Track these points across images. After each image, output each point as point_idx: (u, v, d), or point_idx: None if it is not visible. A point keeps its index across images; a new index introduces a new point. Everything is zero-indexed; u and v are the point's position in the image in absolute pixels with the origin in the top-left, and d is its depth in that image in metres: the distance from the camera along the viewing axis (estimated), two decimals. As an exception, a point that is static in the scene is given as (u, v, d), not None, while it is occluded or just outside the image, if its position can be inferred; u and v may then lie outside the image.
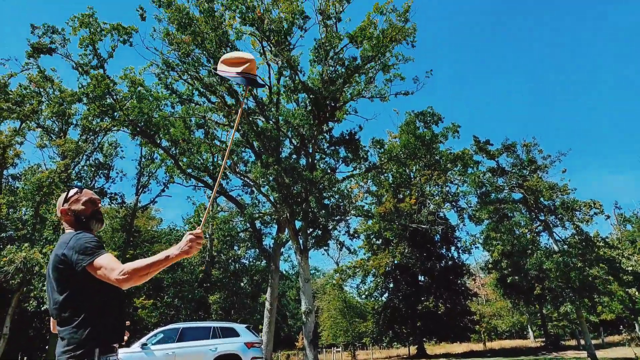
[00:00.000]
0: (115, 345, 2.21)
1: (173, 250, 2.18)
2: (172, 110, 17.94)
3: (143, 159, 26.83)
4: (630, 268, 27.34)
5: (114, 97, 15.81)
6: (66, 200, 2.38)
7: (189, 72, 15.57)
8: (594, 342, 26.28)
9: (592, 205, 21.66)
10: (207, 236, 31.19)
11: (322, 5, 15.86)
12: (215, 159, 20.98)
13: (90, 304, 2.14)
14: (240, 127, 17.68)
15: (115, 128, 16.54)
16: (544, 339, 38.67)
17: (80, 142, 22.26)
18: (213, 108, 17.47)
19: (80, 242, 2.17)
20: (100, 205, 2.49)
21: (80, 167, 25.69)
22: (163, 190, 28.03)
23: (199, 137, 18.85)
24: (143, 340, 12.22)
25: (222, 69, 2.63)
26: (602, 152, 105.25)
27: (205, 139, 18.42)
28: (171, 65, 15.30)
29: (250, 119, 17.01)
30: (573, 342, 37.55)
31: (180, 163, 19.11)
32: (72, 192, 2.41)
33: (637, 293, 29.65)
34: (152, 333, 12.76)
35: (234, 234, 23.59)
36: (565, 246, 21.96)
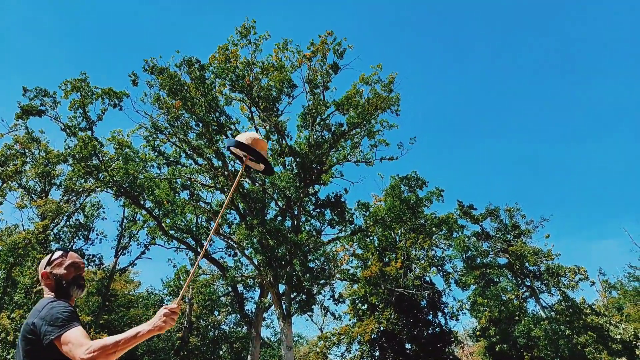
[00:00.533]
0: None
1: (145, 327, 2.07)
2: (158, 172, 17.97)
3: (125, 220, 26.37)
4: (619, 336, 26.96)
5: (100, 158, 15.82)
6: (49, 263, 2.29)
7: (177, 135, 15.79)
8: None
9: (577, 270, 21.78)
10: (187, 301, 30.09)
11: (309, 75, 16.57)
12: (199, 221, 20.73)
13: None
14: (225, 189, 17.69)
15: (99, 189, 16.40)
16: (536, 412, 37.03)
17: (61, 203, 21.88)
18: (199, 170, 17.54)
19: (53, 311, 2.02)
20: (84, 270, 2.40)
21: (60, 228, 25.08)
22: (143, 252, 27.32)
23: (183, 198, 18.75)
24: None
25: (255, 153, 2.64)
26: (585, 218, 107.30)
27: (190, 200, 18.30)
28: (160, 129, 15.53)
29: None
30: (566, 416, 35.97)
31: (163, 224, 18.82)
32: (56, 254, 2.31)
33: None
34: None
35: (215, 298, 22.86)
36: (553, 313, 21.76)
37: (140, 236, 26.69)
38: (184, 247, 21.48)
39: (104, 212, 27.87)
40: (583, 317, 25.45)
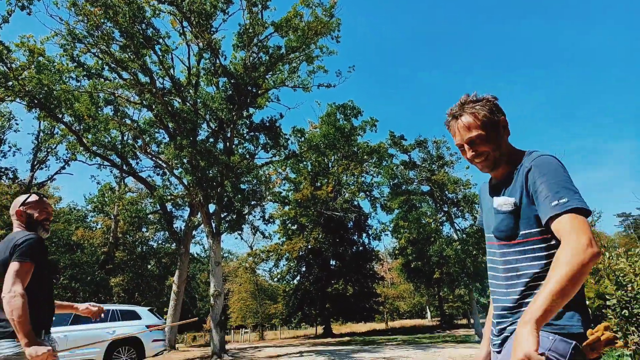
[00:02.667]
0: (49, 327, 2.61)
1: (30, 342, 2.28)
2: (78, 84, 16.36)
3: (41, 134, 24.33)
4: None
5: (8, 65, 14.01)
6: (24, 203, 2.65)
7: (99, 46, 14.25)
8: (481, 321, 29.07)
9: (481, 197, 23.71)
10: (112, 217, 29.37)
11: (248, -9, 15.34)
12: (125, 138, 19.67)
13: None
14: (153, 107, 16.69)
15: (9, 98, 14.72)
16: (439, 319, 42.04)
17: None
18: (124, 85, 16.22)
19: (27, 241, 2.43)
20: (52, 215, 2.80)
21: (-34, 137, 22.75)
22: (63, 168, 25.73)
23: (107, 113, 17.48)
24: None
25: None
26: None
27: (115, 117, 17.13)
28: (78, 37, 13.85)
29: (166, 99, 16.10)
30: (465, 322, 41.27)
31: (84, 140, 17.63)
32: (32, 197, 2.69)
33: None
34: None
35: (142, 216, 22.47)
36: (464, 235, 23.80)
37: (59, 151, 24.99)
38: (108, 164, 20.49)
39: (16, 124, 25.51)
40: (488, 239, 28.28)
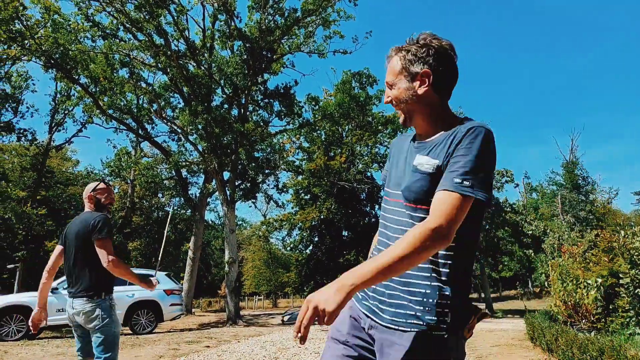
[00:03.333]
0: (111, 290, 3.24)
1: (139, 280, 3.27)
2: (93, 45, 16.30)
3: (58, 95, 24.51)
4: (530, 232, 30.14)
5: (24, 22, 14.00)
6: (94, 190, 3.31)
7: (114, 4, 14.10)
8: (492, 295, 29.22)
9: (505, 173, 23.32)
10: (129, 182, 29.81)
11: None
12: (141, 102, 19.71)
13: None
14: (168, 70, 16.61)
15: (26, 58, 14.74)
16: (450, 292, 42.16)
17: (-18, 69, 19.79)
18: (139, 46, 16.12)
19: (101, 221, 3.12)
20: (114, 200, 3.50)
21: (-16, 96, 23.06)
22: (80, 130, 26.04)
23: (122, 76, 17.46)
24: (53, 284, 11.69)
25: None
26: (519, 124, 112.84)
27: (130, 79, 17.11)
28: (93, -6, 13.77)
29: (181, 62, 16.01)
30: (475, 295, 41.47)
31: (100, 103, 17.72)
32: (100, 185, 3.35)
33: (533, 254, 32.94)
34: (63, 277, 12.24)
35: (158, 181, 22.71)
36: (477, 210, 23.71)
37: (76, 113, 25.19)
38: (124, 128, 20.64)
39: (33, 84, 25.71)
40: (503, 214, 28.04)
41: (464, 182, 1.28)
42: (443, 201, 1.27)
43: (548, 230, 30.44)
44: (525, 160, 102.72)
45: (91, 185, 3.36)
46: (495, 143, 1.37)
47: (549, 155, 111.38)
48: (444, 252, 1.35)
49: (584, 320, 7.20)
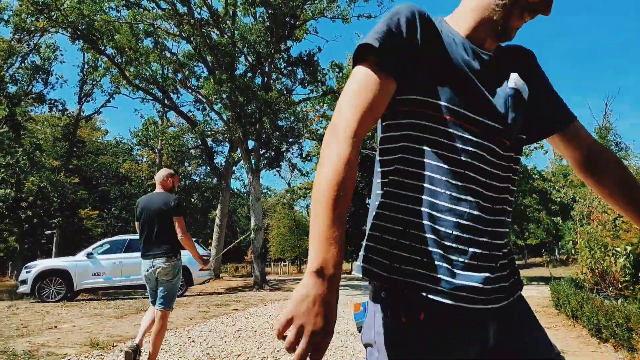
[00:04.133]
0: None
1: (198, 257, 4.35)
2: (117, 15, 16.38)
3: (86, 66, 24.89)
4: (559, 199, 29.51)
5: (50, -7, 14.17)
6: (171, 175, 4.34)
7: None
8: (518, 262, 29.05)
9: (536, 139, 22.72)
10: (157, 151, 30.41)
11: None
12: (165, 72, 19.85)
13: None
14: (192, 39, 16.60)
15: (53, 29, 14.96)
16: (474, 260, 42.14)
17: (13, 42, 20.20)
18: (163, 15, 16.11)
19: (177, 202, 4.13)
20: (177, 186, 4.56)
21: (15, 69, 23.58)
22: (108, 101, 26.54)
23: (147, 46, 17.57)
24: (88, 249, 12.25)
25: None
26: (559, 88, 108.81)
27: (155, 49, 17.22)
28: (114, -37, 13.73)
29: (204, 30, 15.95)
30: (499, 263, 41.18)
31: (126, 73, 17.94)
32: (170, 171, 4.39)
33: (561, 221, 32.40)
34: (98, 243, 12.80)
35: (185, 150, 23.11)
36: (503, 176, 23.27)
37: (104, 84, 25.62)
38: (150, 98, 20.90)
39: (61, 55, 26.24)
40: (531, 181, 27.50)
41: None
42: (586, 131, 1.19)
43: (577, 198, 29.82)
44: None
45: (164, 172, 4.33)
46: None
47: (582, 120, 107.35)
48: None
49: (610, 288, 7.16)
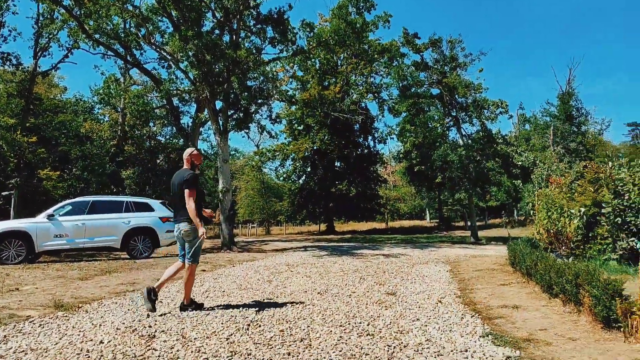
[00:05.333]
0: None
1: (198, 225, 4.96)
2: (74, -38, 15.26)
3: (41, 18, 23.26)
4: (520, 163, 30.50)
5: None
6: (190, 154, 5.18)
7: None
8: (478, 223, 30.22)
9: (499, 104, 23.05)
10: (119, 110, 29.30)
11: None
12: (128, 26, 18.86)
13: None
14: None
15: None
16: (438, 220, 43.64)
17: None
18: (123, -35, 15.13)
19: (190, 177, 4.95)
20: (201, 162, 5.47)
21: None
22: (66, 56, 25.04)
23: (107, -2, 16.53)
24: (49, 211, 11.93)
25: None
26: (518, 54, 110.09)
27: (116, 1, 16.24)
28: None
29: (168, -18, 15.14)
30: (462, 224, 42.84)
31: (85, 26, 16.94)
32: (195, 151, 5.24)
33: (521, 184, 33.57)
34: (59, 204, 12.46)
35: (149, 110, 22.33)
36: (469, 141, 23.68)
37: (61, 38, 24.16)
38: (112, 54, 19.90)
39: (14, 5, 24.30)
40: (494, 145, 28.23)
41: None
42: None
43: (538, 162, 30.92)
44: (524, 91, 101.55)
45: (187, 150, 5.24)
46: None
47: (547, 86, 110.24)
48: None
49: (563, 247, 7.58)
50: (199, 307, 5.14)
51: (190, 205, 4.82)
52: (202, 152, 35.89)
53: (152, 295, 4.93)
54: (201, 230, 4.88)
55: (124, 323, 4.41)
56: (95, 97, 23.83)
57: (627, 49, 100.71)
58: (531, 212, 9.49)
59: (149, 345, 3.63)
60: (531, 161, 31.40)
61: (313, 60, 25.11)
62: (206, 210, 5.28)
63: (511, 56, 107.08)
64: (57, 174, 24.74)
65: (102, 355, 3.38)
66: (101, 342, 3.74)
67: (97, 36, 17.52)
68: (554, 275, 5.25)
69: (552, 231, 7.74)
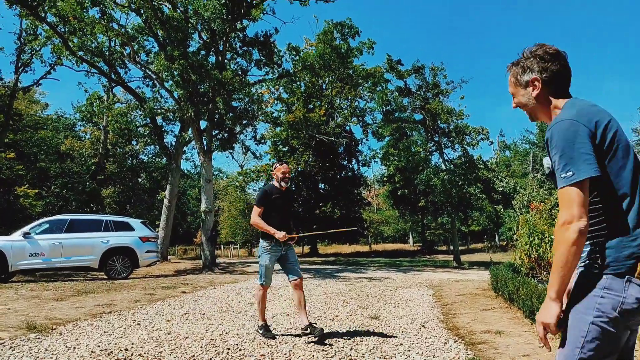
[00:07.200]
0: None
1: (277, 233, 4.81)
2: (60, -20, 15.28)
3: (24, 33, 23.10)
4: (501, 188, 30.95)
5: (-17, -48, 12.99)
6: (273, 167, 5.11)
7: None
8: (461, 248, 30.40)
9: (480, 131, 23.56)
10: (101, 128, 29.01)
11: None
12: (113, 44, 18.84)
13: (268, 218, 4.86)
14: (142, 11, 15.83)
15: (-13, -8, 13.75)
16: (421, 244, 43.79)
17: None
18: (111, -16, 15.22)
19: (258, 194, 5.03)
20: (285, 171, 4.96)
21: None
22: (49, 72, 24.82)
23: (93, 16, 16.53)
24: (25, 229, 11.60)
25: None
26: (499, 82, 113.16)
27: (101, 19, 16.25)
28: None
29: (155, 3, 15.24)
30: (444, 248, 43.03)
31: (70, 43, 16.87)
32: (277, 164, 5.02)
33: (502, 209, 33.98)
34: (36, 222, 12.14)
35: (132, 128, 22.17)
36: (452, 166, 24.01)
37: (44, 54, 23.97)
38: (96, 71, 19.81)
39: (-4, 21, 24.13)
40: (476, 171, 28.72)
41: (561, 174, 1.49)
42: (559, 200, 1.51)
43: (518, 187, 31.41)
44: (502, 118, 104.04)
45: (276, 165, 5.10)
46: (567, 128, 1.52)
47: (523, 114, 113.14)
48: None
49: (545, 273, 7.64)
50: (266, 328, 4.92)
51: (252, 219, 4.89)
52: (185, 171, 35.59)
53: (309, 329, 4.64)
54: (280, 234, 4.73)
55: (99, 346, 4.26)
56: (78, 114, 23.56)
57: (599, 79, 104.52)
58: (513, 237, 9.60)
59: (125, 370, 3.50)
60: (512, 187, 31.88)
61: (298, 83, 25.40)
62: (279, 233, 4.77)
63: (491, 84, 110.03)
64: (35, 191, 24.21)
65: (75, 381, 3.24)
66: (74, 366, 3.60)
67: (81, 53, 17.45)
68: (536, 300, 5.27)
69: (533, 256, 7.81)
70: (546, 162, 1.67)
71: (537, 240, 7.71)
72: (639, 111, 53.20)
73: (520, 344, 4.57)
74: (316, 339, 4.43)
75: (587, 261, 1.57)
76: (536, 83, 1.72)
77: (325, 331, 4.53)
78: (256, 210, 4.86)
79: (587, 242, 1.57)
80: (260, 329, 4.86)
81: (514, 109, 1.87)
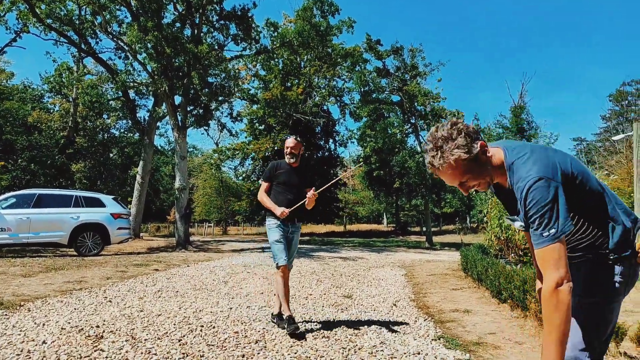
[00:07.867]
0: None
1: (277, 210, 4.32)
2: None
3: (-14, -3, 21.83)
4: (474, 172, 31.49)
5: None
6: (282, 141, 5.61)
7: None
8: (433, 229, 31.01)
9: (456, 114, 23.83)
10: (71, 100, 28.02)
11: None
12: (83, 13, 18.08)
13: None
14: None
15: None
16: (394, 225, 44.49)
17: None
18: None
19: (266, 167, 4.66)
20: (291, 148, 4.47)
21: None
22: (14, 40, 23.63)
23: (62, -19, 15.79)
24: (-8, 204, 11.23)
25: None
26: (476, 68, 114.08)
27: (71, -14, 15.55)
28: None
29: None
30: (417, 229, 43.85)
31: (37, 10, 16.10)
32: (286, 138, 4.59)
33: (474, 192, 34.65)
34: (2, 197, 11.76)
35: (103, 101, 21.50)
36: (427, 149, 24.27)
37: (9, 20, 22.76)
38: (65, 40, 19.03)
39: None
40: (450, 155, 29.10)
41: (543, 233, 1.47)
42: (539, 260, 1.50)
43: (490, 171, 32.04)
44: (478, 103, 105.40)
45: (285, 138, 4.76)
46: (545, 187, 1.49)
47: (501, 100, 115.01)
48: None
49: (512, 254, 7.88)
50: (280, 317, 4.35)
51: (258, 196, 4.54)
52: (159, 148, 34.92)
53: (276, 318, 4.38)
54: (278, 210, 4.21)
55: (69, 323, 4.20)
56: (46, 85, 22.62)
57: (573, 67, 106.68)
58: (484, 219, 9.83)
59: (96, 346, 3.47)
60: (484, 170, 32.37)
61: (276, 60, 25.03)
62: (285, 210, 4.21)
63: (468, 69, 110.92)
64: (1, 164, 23.34)
65: (44, 356, 3.19)
66: (44, 342, 3.54)
67: (49, 21, 16.70)
68: (503, 281, 5.45)
69: (502, 238, 8.04)
70: (517, 224, 1.68)
71: (506, 223, 7.93)
72: (608, 99, 54.65)
73: (487, 322, 4.73)
74: (288, 332, 3.92)
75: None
76: (485, 148, 1.61)
77: (300, 330, 3.94)
78: (262, 185, 4.55)
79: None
80: (285, 323, 4.03)
81: (472, 191, 1.75)
